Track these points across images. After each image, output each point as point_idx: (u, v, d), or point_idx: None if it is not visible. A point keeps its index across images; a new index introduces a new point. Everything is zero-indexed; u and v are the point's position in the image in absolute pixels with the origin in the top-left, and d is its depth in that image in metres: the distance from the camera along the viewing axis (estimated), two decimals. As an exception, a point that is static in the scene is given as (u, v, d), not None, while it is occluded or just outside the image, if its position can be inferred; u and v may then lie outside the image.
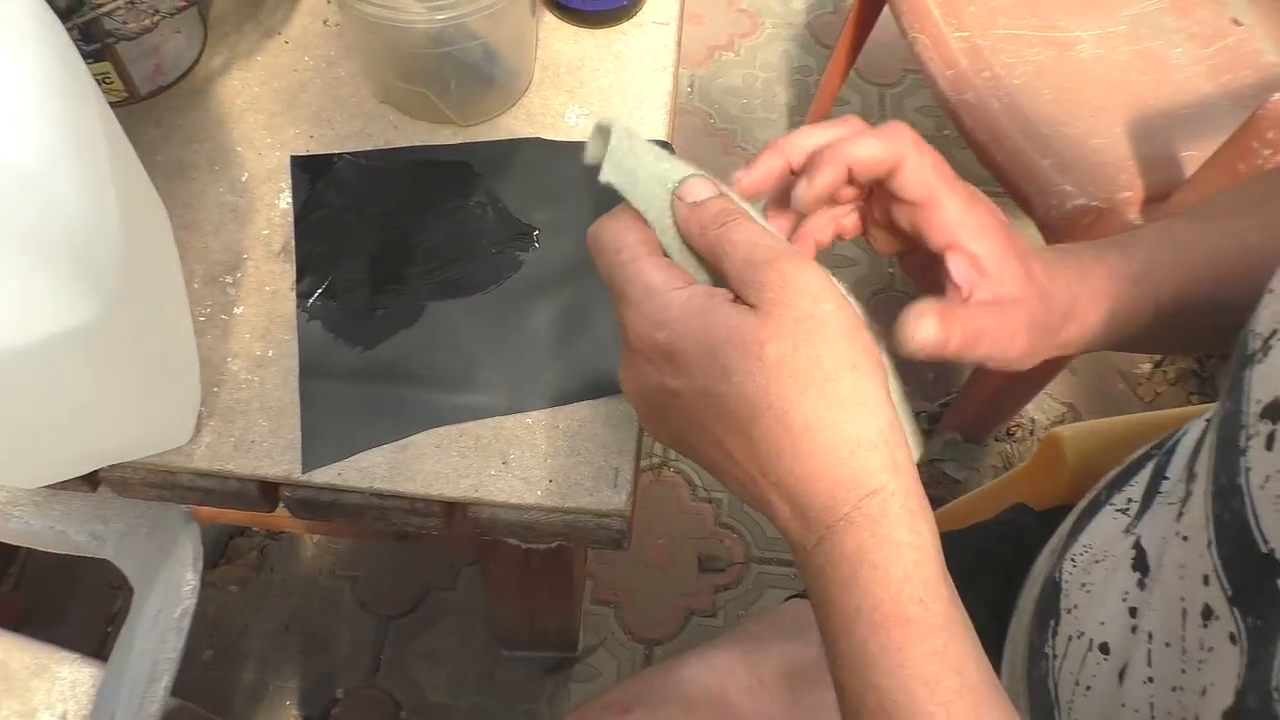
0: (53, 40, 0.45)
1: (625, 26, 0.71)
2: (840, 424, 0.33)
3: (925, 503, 0.34)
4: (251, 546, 1.23)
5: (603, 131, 0.38)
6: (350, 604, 1.22)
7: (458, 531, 0.56)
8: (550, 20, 0.71)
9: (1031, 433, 1.45)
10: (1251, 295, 0.38)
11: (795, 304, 0.33)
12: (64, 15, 0.52)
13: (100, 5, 0.53)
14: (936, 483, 1.39)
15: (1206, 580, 0.37)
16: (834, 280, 0.35)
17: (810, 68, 1.77)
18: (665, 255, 0.38)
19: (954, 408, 1.41)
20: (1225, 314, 0.43)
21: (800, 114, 1.72)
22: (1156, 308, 0.44)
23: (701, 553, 1.31)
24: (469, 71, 0.63)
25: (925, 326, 0.38)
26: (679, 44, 0.71)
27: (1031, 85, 1.10)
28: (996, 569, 0.65)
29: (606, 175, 0.37)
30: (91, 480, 0.54)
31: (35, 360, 0.42)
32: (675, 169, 0.38)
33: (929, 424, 1.43)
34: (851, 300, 0.37)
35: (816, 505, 0.33)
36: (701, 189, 0.37)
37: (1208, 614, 0.37)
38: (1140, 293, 0.44)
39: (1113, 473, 0.59)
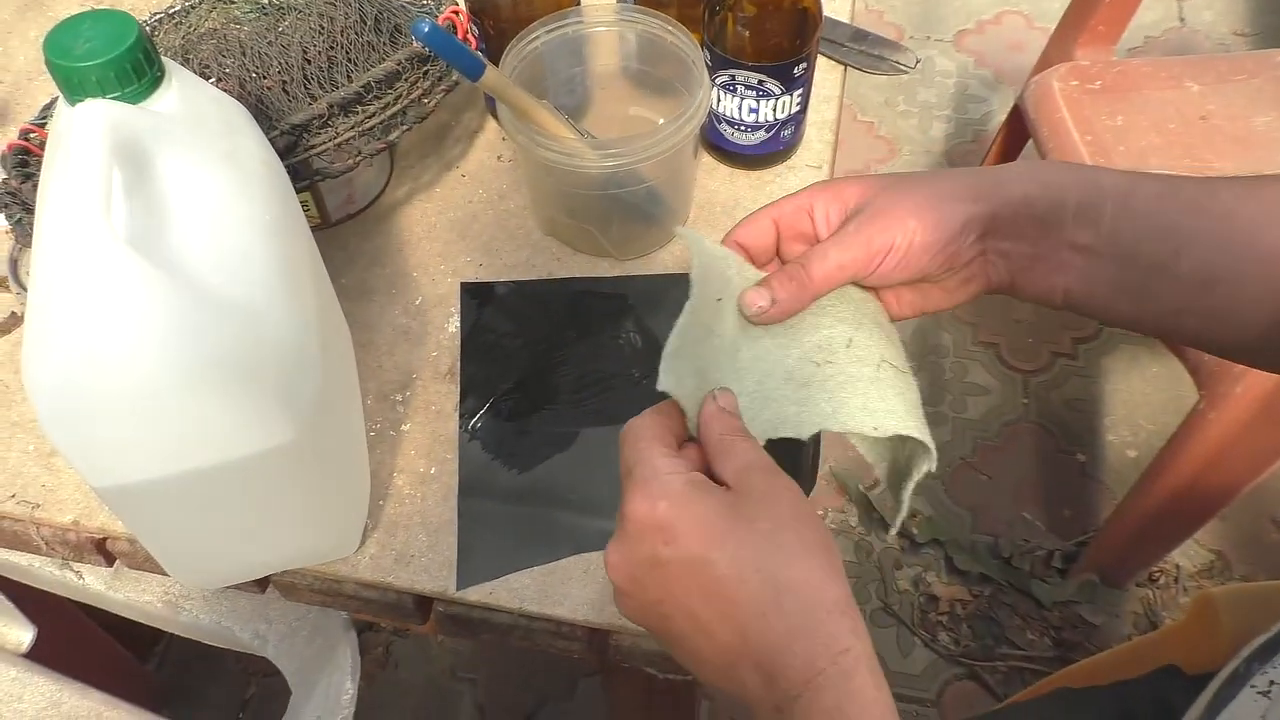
0: (274, 181, 0.50)
1: (779, 169, 0.74)
2: (818, 587, 0.38)
3: (878, 664, 0.38)
4: (378, 642, 1.27)
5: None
6: (469, 708, 1.23)
7: (597, 655, 0.57)
8: (708, 161, 0.75)
9: (1176, 579, 1.37)
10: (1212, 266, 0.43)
11: (781, 500, 0.39)
12: (281, 155, 0.57)
13: (312, 146, 0.59)
14: (1071, 626, 1.33)
15: None
16: None
17: (947, 195, 1.78)
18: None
19: (1092, 547, 1.35)
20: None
21: (936, 239, 1.72)
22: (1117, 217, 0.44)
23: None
24: (632, 211, 0.67)
25: (756, 297, 0.46)
26: (831, 187, 0.74)
27: (1183, 226, 1.08)
28: (1141, 734, 0.62)
29: (664, 384, 0.43)
30: (260, 582, 0.58)
31: (234, 477, 0.45)
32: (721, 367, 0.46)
33: (1064, 563, 1.37)
34: None
35: (796, 663, 0.37)
36: (728, 399, 0.44)
37: None
38: (1115, 180, 0.44)
39: (1257, 642, 0.55)
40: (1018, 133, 1.36)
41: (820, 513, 1.43)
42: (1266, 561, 1.38)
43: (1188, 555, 1.39)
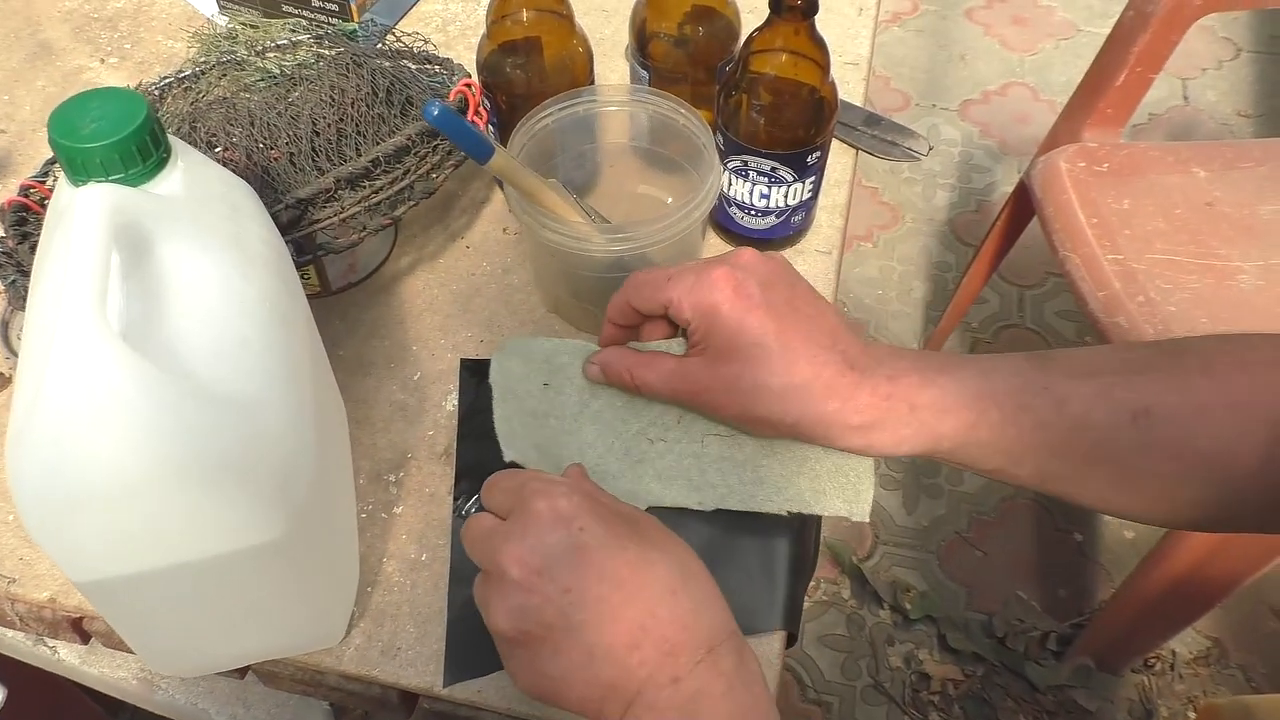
0: (277, 264, 0.48)
1: (787, 253, 0.73)
2: (710, 578, 0.45)
3: None
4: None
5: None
6: (447, 775, 1.20)
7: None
8: (714, 241, 0.74)
9: (1172, 666, 1.35)
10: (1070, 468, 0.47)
11: (654, 522, 0.47)
12: (285, 229, 0.56)
13: (317, 220, 0.58)
14: (1065, 711, 1.30)
15: None
16: None
17: (949, 264, 1.78)
18: None
19: (1089, 632, 1.33)
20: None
21: (936, 308, 1.72)
22: (977, 439, 0.48)
23: (808, 760, 1.25)
24: (638, 293, 0.66)
25: (592, 371, 0.55)
26: (839, 273, 0.73)
27: (1188, 314, 1.07)
28: None
29: (509, 456, 0.53)
30: (241, 668, 0.56)
31: (220, 573, 0.44)
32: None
33: (1059, 645, 1.35)
34: None
35: (701, 633, 0.42)
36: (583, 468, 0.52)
37: None
38: (957, 422, 0.48)
39: None
40: (1023, 209, 1.36)
41: (811, 583, 1.41)
42: (1264, 650, 1.36)
43: (1184, 642, 1.37)
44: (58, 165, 0.70)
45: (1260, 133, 1.99)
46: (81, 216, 0.38)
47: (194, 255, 0.43)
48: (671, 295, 0.50)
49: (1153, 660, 1.35)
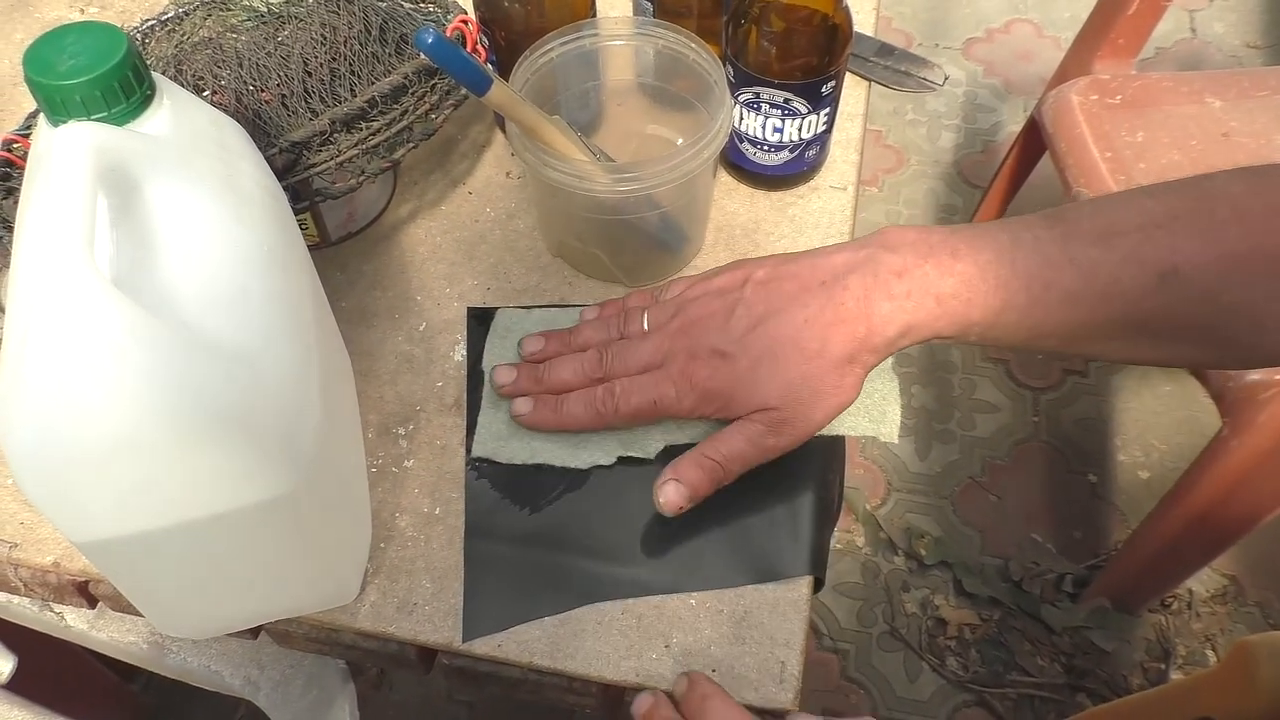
0: (274, 207, 0.46)
1: (802, 189, 0.71)
2: None
3: None
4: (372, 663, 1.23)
5: None
6: (465, 732, 1.20)
7: (609, 712, 0.54)
8: (726, 180, 0.72)
9: (1189, 605, 1.35)
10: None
11: None
12: (280, 174, 0.54)
13: (313, 165, 0.55)
14: (1083, 652, 1.30)
15: None
16: None
17: (956, 206, 1.75)
18: None
19: (1106, 573, 1.32)
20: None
21: (944, 252, 1.69)
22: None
23: (825, 707, 1.25)
24: (644, 238, 0.63)
25: (666, 491, 0.52)
26: (855, 210, 0.70)
27: (1206, 247, 1.05)
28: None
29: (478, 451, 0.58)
30: (253, 629, 0.54)
31: (226, 530, 0.42)
32: None
33: (1075, 587, 1.34)
34: None
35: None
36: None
37: None
38: (984, 309, 0.48)
39: None
40: (1032, 147, 1.33)
41: (826, 532, 1.40)
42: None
43: (1201, 580, 1.36)
44: (41, 117, 0.68)
45: (1270, 64, 1.95)
46: (63, 156, 0.36)
47: (185, 198, 0.40)
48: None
49: (1170, 600, 1.35)
